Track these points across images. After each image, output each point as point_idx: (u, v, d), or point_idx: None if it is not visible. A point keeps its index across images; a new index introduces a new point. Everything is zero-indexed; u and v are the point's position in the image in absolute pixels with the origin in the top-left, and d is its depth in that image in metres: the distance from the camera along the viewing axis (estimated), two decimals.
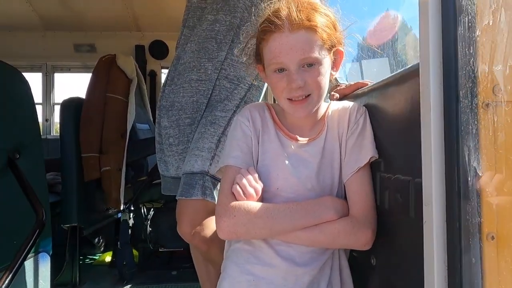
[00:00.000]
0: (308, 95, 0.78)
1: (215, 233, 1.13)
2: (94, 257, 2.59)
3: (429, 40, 0.46)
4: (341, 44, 0.82)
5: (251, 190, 0.76)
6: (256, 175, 0.79)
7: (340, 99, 1.04)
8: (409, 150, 0.66)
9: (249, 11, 1.28)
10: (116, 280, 2.14)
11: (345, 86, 1.07)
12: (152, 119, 2.87)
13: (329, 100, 1.05)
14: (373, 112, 0.85)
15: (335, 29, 0.80)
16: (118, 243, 2.17)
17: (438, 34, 0.45)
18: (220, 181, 0.96)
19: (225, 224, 0.75)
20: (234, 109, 1.23)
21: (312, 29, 0.75)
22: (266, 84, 1.42)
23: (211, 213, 1.14)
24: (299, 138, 0.84)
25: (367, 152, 0.80)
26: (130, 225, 2.22)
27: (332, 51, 0.81)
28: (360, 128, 0.83)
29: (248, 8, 1.28)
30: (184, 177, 1.17)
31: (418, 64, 0.58)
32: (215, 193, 1.14)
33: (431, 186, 0.45)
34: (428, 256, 0.49)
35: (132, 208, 2.23)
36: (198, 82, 1.27)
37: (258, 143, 0.85)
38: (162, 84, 1.48)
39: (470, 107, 0.41)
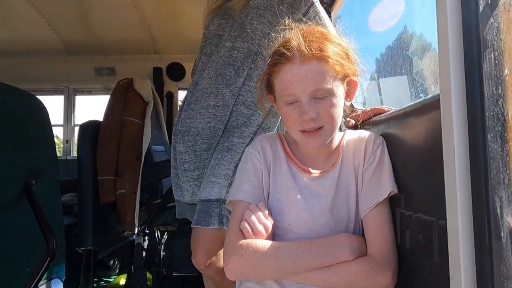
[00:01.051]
0: (321, 127, 0.75)
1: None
2: (109, 279, 2.57)
3: (450, 79, 0.42)
4: (354, 74, 0.79)
5: (260, 227, 0.72)
6: (266, 211, 0.75)
7: (356, 125, 1.00)
8: (432, 187, 0.61)
9: (267, 38, 1.28)
10: None
11: (361, 112, 1.03)
12: (168, 141, 2.89)
13: (345, 128, 1.01)
14: (391, 142, 0.81)
15: (348, 59, 0.78)
16: (132, 266, 2.15)
17: (461, 71, 0.41)
18: None
19: (232, 264, 0.71)
20: (252, 135, 1.21)
21: (324, 59, 0.72)
22: None
23: None
24: (312, 171, 0.80)
25: (386, 186, 0.75)
26: (144, 248, 2.20)
27: (346, 81, 0.78)
28: (377, 160, 0.78)
29: (266, 35, 1.28)
30: (200, 204, 1.14)
31: (439, 95, 0.54)
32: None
33: (457, 240, 0.41)
34: None
35: (147, 231, 2.22)
36: (215, 108, 1.26)
37: (269, 176, 0.81)
38: (179, 107, 1.48)
39: (501, 153, 0.37)
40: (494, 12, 0.39)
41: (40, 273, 1.11)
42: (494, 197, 0.37)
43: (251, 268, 0.71)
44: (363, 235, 0.78)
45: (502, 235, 0.36)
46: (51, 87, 3.28)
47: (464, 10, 0.41)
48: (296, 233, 0.76)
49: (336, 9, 2.00)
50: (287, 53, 0.72)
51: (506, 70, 0.37)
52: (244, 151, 1.18)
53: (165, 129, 2.92)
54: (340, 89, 0.75)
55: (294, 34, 0.76)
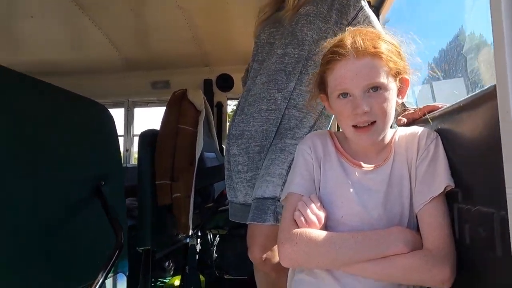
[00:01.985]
0: (374, 122, 0.77)
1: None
2: (164, 280, 2.71)
3: (506, 67, 0.43)
4: (406, 72, 0.80)
5: (314, 218, 0.75)
6: (319, 203, 0.78)
7: (408, 124, 0.99)
8: (491, 179, 0.60)
9: (317, 44, 1.32)
10: None
11: (414, 110, 1.02)
12: (218, 148, 3.01)
13: (396, 126, 1.01)
14: (446, 138, 0.80)
15: (400, 57, 0.79)
16: (186, 267, 2.25)
17: None
18: None
19: (286, 251, 0.75)
20: (304, 136, 1.25)
21: (377, 55, 0.75)
22: None
23: None
24: (364, 165, 0.82)
25: (442, 180, 0.74)
26: (198, 250, 2.30)
27: (398, 78, 0.79)
28: (431, 155, 0.78)
29: (315, 42, 1.32)
30: (255, 202, 1.20)
31: (494, 86, 0.54)
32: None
33: None
34: None
35: (199, 234, 2.32)
36: (268, 112, 1.32)
37: (320, 171, 0.84)
38: (230, 115, 1.56)
39: None
40: None
41: (111, 263, 1.23)
42: None
43: (304, 256, 0.74)
44: (418, 231, 0.78)
45: None
46: (113, 101, 3.58)
47: None
48: (348, 225, 0.78)
49: (384, 12, 1.99)
50: (342, 50, 0.76)
51: None
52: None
53: (216, 137, 3.05)
54: (393, 85, 0.77)
55: (347, 34, 0.79)
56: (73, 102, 1.49)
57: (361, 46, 0.75)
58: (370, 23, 1.29)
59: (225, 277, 2.28)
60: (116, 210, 1.50)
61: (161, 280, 2.70)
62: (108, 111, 1.73)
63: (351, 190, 0.80)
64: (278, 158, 1.24)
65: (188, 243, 2.34)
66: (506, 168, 0.48)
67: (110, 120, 1.71)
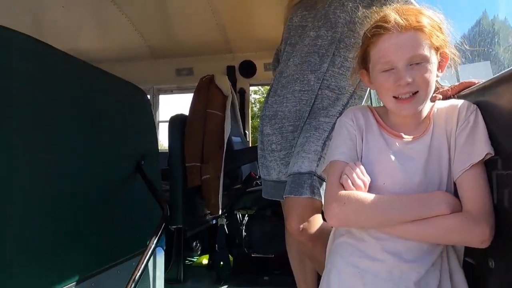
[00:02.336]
0: (416, 93, 0.82)
1: (321, 230, 1.19)
2: (193, 259, 2.83)
3: None
4: (446, 46, 0.84)
5: (360, 182, 0.81)
6: (364, 169, 0.84)
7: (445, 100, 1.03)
8: None
9: (348, 27, 1.36)
10: (214, 280, 2.32)
11: (449, 87, 1.06)
12: (243, 133, 3.08)
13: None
14: (485, 110, 0.84)
15: (442, 32, 0.83)
16: (216, 246, 2.36)
17: None
18: (325, 181, 1.02)
19: (335, 211, 0.81)
20: (337, 115, 1.29)
21: (420, 29, 0.79)
22: (367, 93, 1.46)
23: (318, 211, 1.21)
24: (404, 136, 0.87)
25: (482, 148, 0.79)
26: (226, 230, 2.40)
27: (439, 52, 0.84)
28: (471, 125, 0.82)
29: (348, 24, 1.36)
30: (291, 177, 1.26)
31: None
32: (322, 192, 1.20)
33: None
34: None
35: (228, 214, 2.41)
36: (301, 93, 1.37)
37: (362, 141, 0.90)
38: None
39: None
40: None
41: (160, 231, 1.32)
42: None
43: (353, 215, 0.80)
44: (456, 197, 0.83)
45: None
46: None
47: None
48: (391, 191, 0.83)
49: None
50: (386, 25, 0.80)
51: None
52: (331, 129, 1.28)
53: (240, 121, 3.12)
54: (434, 58, 0.81)
55: (390, 9, 0.84)
56: (117, 85, 1.58)
57: (404, 20, 0.79)
58: (407, 1, 1.32)
59: (252, 255, 2.38)
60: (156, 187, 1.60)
61: (189, 259, 2.83)
62: (146, 95, 1.81)
63: (393, 158, 0.85)
64: (313, 136, 1.29)
65: (217, 223, 2.44)
66: None
67: (147, 102, 1.81)
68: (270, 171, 1.47)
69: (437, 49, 0.83)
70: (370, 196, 0.79)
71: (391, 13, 0.83)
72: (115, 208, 1.44)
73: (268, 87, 1.87)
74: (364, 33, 0.89)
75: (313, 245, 1.20)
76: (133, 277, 1.22)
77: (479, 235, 0.75)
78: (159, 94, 3.71)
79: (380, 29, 0.82)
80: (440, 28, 0.84)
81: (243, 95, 3.49)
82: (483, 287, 0.85)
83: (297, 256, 1.47)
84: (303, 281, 1.51)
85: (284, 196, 1.28)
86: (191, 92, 3.68)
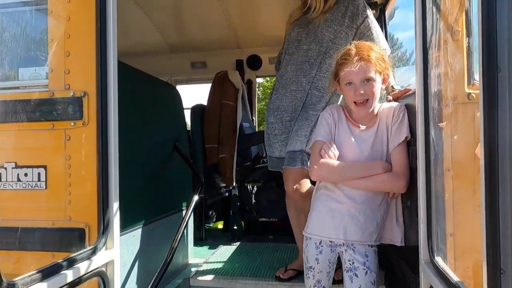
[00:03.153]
0: (367, 100, 1.32)
1: (308, 191, 1.71)
2: (210, 225, 3.40)
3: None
4: (387, 70, 1.34)
5: (331, 154, 1.32)
6: (335, 146, 1.35)
7: (395, 99, 1.53)
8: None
9: (332, 41, 1.84)
10: (229, 239, 2.87)
11: (398, 91, 1.56)
12: (251, 119, 3.59)
13: (384, 102, 1.56)
14: (409, 109, 1.35)
15: (384, 61, 1.32)
16: (230, 212, 2.91)
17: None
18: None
19: (316, 171, 1.33)
20: (321, 110, 1.78)
21: (369, 60, 1.28)
22: None
23: (306, 177, 1.73)
24: (361, 126, 1.38)
25: (404, 133, 1.30)
26: (238, 199, 2.94)
27: (382, 74, 1.33)
28: (400, 119, 1.33)
29: (332, 40, 1.84)
30: (288, 154, 1.78)
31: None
32: (309, 164, 1.72)
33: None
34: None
35: (239, 186, 2.95)
36: (296, 92, 1.87)
37: (335, 129, 1.40)
38: (268, 93, 2.09)
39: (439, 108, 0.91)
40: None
41: (198, 193, 1.86)
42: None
43: (326, 174, 1.32)
44: (390, 164, 1.34)
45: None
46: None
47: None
48: (350, 160, 1.34)
49: (390, 8, 2.45)
50: (348, 57, 1.29)
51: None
52: (316, 119, 1.78)
53: (249, 108, 3.62)
54: (378, 78, 1.30)
55: (352, 46, 1.32)
56: (157, 85, 2.09)
57: (360, 54, 1.28)
58: (370, 29, 1.80)
59: (260, 219, 2.93)
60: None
61: (207, 225, 3.39)
62: (177, 90, 2.32)
63: (353, 140, 1.36)
64: (304, 124, 1.80)
65: (231, 194, 2.98)
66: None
67: (179, 98, 2.31)
68: (274, 150, 1.98)
69: (380, 72, 1.32)
70: (337, 163, 1.31)
71: (352, 48, 1.32)
72: (164, 175, 1.98)
73: (271, 78, 2.35)
74: (337, 59, 1.38)
75: (303, 201, 1.72)
76: (181, 227, 1.76)
77: (400, 186, 1.27)
78: (176, 84, 4.20)
79: (345, 59, 1.31)
80: (383, 58, 1.33)
81: (250, 85, 3.97)
82: (406, 217, 1.38)
83: (294, 212, 2.00)
84: (299, 231, 2.04)
85: (283, 167, 1.80)
86: (204, 83, 4.20)
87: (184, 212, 2.29)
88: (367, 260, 1.31)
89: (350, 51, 1.32)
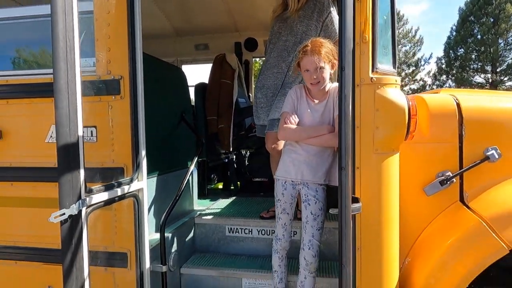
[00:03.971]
0: (318, 82, 1.85)
1: (282, 148, 2.27)
2: (211, 185, 4.00)
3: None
4: (334, 59, 1.85)
5: (293, 120, 1.87)
6: (295, 116, 1.89)
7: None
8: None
9: (305, 33, 2.34)
10: (227, 195, 3.46)
11: None
12: (247, 95, 4.11)
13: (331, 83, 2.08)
14: None
15: (332, 54, 1.84)
16: (228, 173, 3.49)
17: None
18: None
19: (281, 133, 1.89)
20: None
21: (319, 53, 1.80)
22: None
23: None
24: (315, 100, 1.92)
25: None
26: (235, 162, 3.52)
27: (331, 62, 1.85)
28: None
29: (304, 32, 2.34)
30: (269, 121, 2.32)
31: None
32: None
33: None
34: None
35: (236, 152, 3.52)
36: (277, 74, 2.39)
37: (298, 102, 1.94)
38: (257, 72, 2.61)
39: None
40: None
41: (199, 153, 2.43)
42: None
43: (289, 135, 1.86)
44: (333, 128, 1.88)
45: None
46: (165, 60, 4.68)
47: None
48: (306, 125, 1.89)
49: None
50: (306, 50, 1.81)
51: None
52: None
53: (245, 86, 4.14)
54: (327, 66, 1.82)
55: (309, 43, 1.83)
56: (168, 68, 2.63)
57: (314, 49, 1.80)
58: (332, 22, 2.30)
59: (253, 180, 3.51)
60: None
61: (209, 186, 4.00)
62: (183, 71, 2.85)
63: (309, 111, 1.89)
64: (281, 99, 2.33)
65: (228, 158, 3.56)
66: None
67: (184, 77, 2.85)
68: (259, 119, 2.53)
69: (329, 61, 1.84)
70: (295, 127, 1.86)
71: (309, 45, 1.83)
72: (174, 139, 2.55)
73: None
74: (299, 51, 1.90)
75: (278, 155, 2.28)
76: (186, 178, 2.34)
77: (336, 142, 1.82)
78: (181, 64, 4.71)
79: (304, 52, 1.83)
80: (333, 52, 1.84)
81: (247, 65, 4.47)
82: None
83: (274, 164, 2.56)
84: (275, 168, 2.62)
85: (265, 132, 2.36)
86: (206, 63, 4.70)
87: (193, 167, 2.87)
88: (317, 194, 1.88)
89: (307, 47, 1.84)
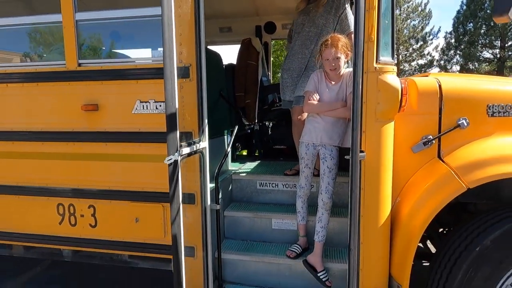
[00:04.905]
0: (335, 68, 2.43)
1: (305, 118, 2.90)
2: (236, 153, 4.65)
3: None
4: (349, 51, 2.43)
5: (315, 98, 2.48)
6: (317, 94, 2.50)
7: None
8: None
9: (325, 26, 2.89)
10: (252, 159, 4.12)
11: None
12: (267, 74, 4.68)
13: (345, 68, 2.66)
14: None
15: (348, 47, 2.41)
16: (253, 141, 4.13)
17: None
18: None
19: (306, 107, 2.50)
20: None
21: (337, 46, 2.37)
22: None
23: None
24: (332, 82, 2.51)
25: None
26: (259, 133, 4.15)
27: (345, 53, 2.43)
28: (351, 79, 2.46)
29: (324, 24, 2.90)
30: (295, 98, 2.94)
31: None
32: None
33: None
34: None
35: (260, 124, 4.15)
36: (301, 59, 2.97)
37: (319, 84, 2.54)
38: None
39: None
40: None
41: (237, 127, 3.06)
42: None
43: (311, 109, 2.47)
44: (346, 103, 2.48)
45: None
46: None
47: None
48: (325, 102, 2.50)
49: None
50: (327, 44, 2.38)
51: None
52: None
53: (266, 67, 4.70)
54: (342, 56, 2.39)
55: (329, 37, 2.40)
56: (212, 54, 3.21)
57: (333, 43, 2.37)
58: (347, 18, 2.85)
59: (274, 147, 4.15)
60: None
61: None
62: (220, 56, 3.43)
63: (327, 90, 2.49)
64: (305, 80, 2.92)
65: (253, 129, 4.19)
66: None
67: (221, 59, 3.43)
68: (286, 95, 3.14)
69: (344, 52, 2.42)
70: (317, 103, 2.47)
71: (329, 39, 2.41)
72: (217, 111, 3.17)
73: (282, 41, 3.40)
74: (320, 44, 2.47)
75: (303, 126, 2.91)
76: (229, 142, 2.97)
77: (349, 114, 2.43)
78: (207, 45, 5.24)
79: (325, 45, 2.41)
80: (347, 45, 2.41)
81: (266, 47, 5.00)
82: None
83: (297, 134, 3.18)
84: (298, 144, 3.26)
85: (292, 106, 2.98)
86: (230, 44, 5.24)
87: (225, 136, 3.51)
88: (332, 153, 2.52)
89: (328, 41, 2.41)
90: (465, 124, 2.23)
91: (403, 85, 2.16)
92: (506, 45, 21.83)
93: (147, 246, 2.57)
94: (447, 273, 2.11)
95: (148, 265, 2.77)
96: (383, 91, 2.08)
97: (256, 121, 4.06)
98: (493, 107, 2.26)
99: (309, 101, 2.50)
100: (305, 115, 2.84)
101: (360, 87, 1.99)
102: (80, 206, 2.62)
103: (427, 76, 2.60)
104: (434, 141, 2.28)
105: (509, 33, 21.84)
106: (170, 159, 1.86)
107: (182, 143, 2.02)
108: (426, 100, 2.29)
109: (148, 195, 2.51)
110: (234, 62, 4.12)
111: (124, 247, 2.62)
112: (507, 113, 2.25)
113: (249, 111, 4.01)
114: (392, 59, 2.21)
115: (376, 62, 2.08)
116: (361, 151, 1.97)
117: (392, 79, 2.11)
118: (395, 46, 2.29)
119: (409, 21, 24.91)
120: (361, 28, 1.94)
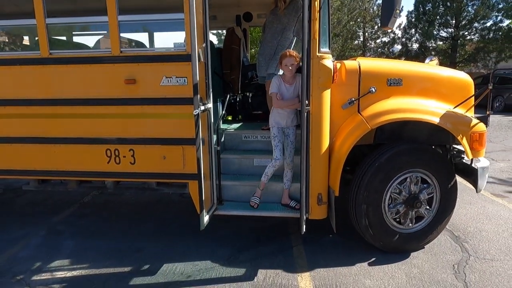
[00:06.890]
0: (291, 71, 3.71)
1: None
2: (223, 118, 5.90)
3: None
4: (299, 58, 3.69)
5: (279, 97, 3.74)
6: (279, 94, 3.76)
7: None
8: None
9: (288, 23, 4.14)
10: (237, 122, 5.39)
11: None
12: (247, 56, 5.89)
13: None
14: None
15: (297, 58, 3.67)
16: (237, 107, 5.40)
17: None
18: None
19: (276, 104, 3.76)
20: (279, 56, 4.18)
21: (293, 57, 3.62)
22: None
23: None
24: (287, 85, 3.78)
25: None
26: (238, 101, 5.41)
27: (297, 62, 3.70)
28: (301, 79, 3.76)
29: (287, 22, 4.14)
30: (268, 74, 4.21)
31: None
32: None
33: None
34: None
35: (242, 94, 5.41)
36: (271, 47, 4.23)
37: (279, 85, 3.80)
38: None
39: None
40: None
41: (228, 93, 4.30)
42: None
43: (278, 105, 3.72)
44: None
45: None
46: None
47: None
48: (287, 98, 3.77)
49: None
50: (287, 55, 3.60)
51: None
52: (277, 60, 4.19)
53: (245, 50, 5.89)
54: (295, 63, 3.62)
55: (287, 51, 3.64)
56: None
57: (291, 54, 3.57)
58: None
59: (253, 112, 5.44)
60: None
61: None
62: (213, 42, 4.62)
63: (286, 90, 3.72)
64: (274, 62, 4.19)
65: (237, 98, 5.44)
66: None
67: (213, 44, 4.62)
68: (261, 73, 4.42)
69: (297, 61, 3.68)
70: (281, 101, 3.74)
71: (287, 52, 3.66)
72: (214, 83, 4.39)
73: (258, 28, 4.62)
74: (281, 54, 3.72)
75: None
76: (225, 106, 4.21)
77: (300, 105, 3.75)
78: None
79: (285, 55, 3.65)
80: (297, 57, 3.67)
81: (245, 33, 6.18)
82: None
83: (269, 102, 4.47)
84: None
85: (265, 80, 4.27)
86: (215, 30, 6.37)
87: (218, 103, 4.74)
88: (293, 131, 3.85)
89: (287, 52, 3.66)
90: (374, 91, 3.61)
91: (335, 66, 3.49)
92: (460, 24, 23.80)
93: (172, 176, 3.85)
94: (359, 179, 3.56)
95: (171, 190, 4.06)
96: (322, 70, 3.41)
97: (239, 92, 5.31)
98: (390, 80, 3.65)
99: (276, 100, 3.75)
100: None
101: (309, 67, 3.31)
102: (123, 149, 3.82)
103: (354, 60, 3.95)
104: (355, 102, 3.65)
105: (464, 13, 23.78)
106: (197, 112, 3.12)
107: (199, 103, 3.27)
108: (350, 75, 3.65)
109: (172, 140, 3.75)
110: (221, 46, 5.30)
111: (155, 177, 3.88)
112: (398, 83, 3.65)
113: (233, 84, 5.25)
114: (329, 49, 3.53)
115: (318, 52, 3.39)
116: (307, 106, 3.31)
117: (328, 62, 3.44)
118: (331, 39, 3.61)
119: (374, 0, 26.30)
120: (308, 32, 3.23)
